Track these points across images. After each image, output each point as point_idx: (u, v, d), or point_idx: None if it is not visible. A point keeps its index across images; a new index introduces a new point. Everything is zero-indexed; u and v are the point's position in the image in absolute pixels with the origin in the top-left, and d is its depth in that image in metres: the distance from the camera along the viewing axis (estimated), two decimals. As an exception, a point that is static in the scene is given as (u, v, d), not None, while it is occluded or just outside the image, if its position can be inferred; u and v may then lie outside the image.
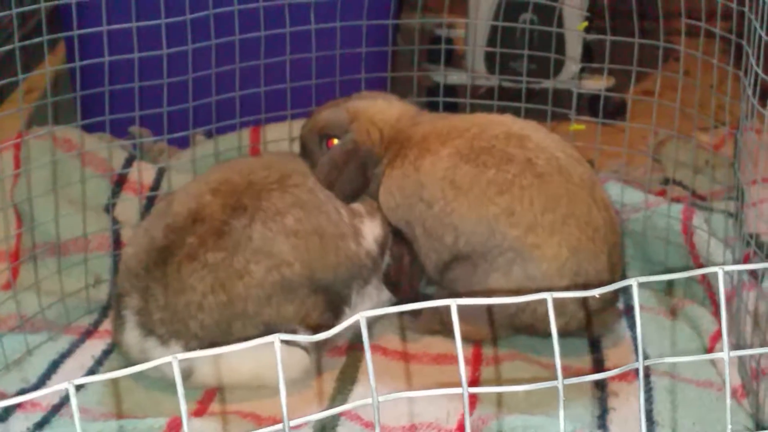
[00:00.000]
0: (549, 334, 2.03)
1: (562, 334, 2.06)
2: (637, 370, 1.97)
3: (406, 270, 2.16)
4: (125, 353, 2.00)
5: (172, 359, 0.87)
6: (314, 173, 2.12)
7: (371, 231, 2.11)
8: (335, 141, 2.16)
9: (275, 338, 0.89)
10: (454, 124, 2.16)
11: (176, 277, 1.93)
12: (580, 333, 2.08)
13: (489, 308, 2.05)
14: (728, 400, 0.92)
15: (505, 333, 2.09)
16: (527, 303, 1.98)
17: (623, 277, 2.19)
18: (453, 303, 0.89)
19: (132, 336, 1.96)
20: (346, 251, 2.04)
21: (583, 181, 2.06)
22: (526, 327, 2.05)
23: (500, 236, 2.00)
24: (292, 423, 0.88)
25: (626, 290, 2.31)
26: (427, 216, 2.07)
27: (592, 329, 2.08)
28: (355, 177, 2.12)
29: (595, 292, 0.93)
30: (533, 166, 2.03)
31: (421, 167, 2.09)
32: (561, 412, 0.92)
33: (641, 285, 2.32)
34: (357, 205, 2.12)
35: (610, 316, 2.10)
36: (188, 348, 1.93)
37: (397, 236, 2.16)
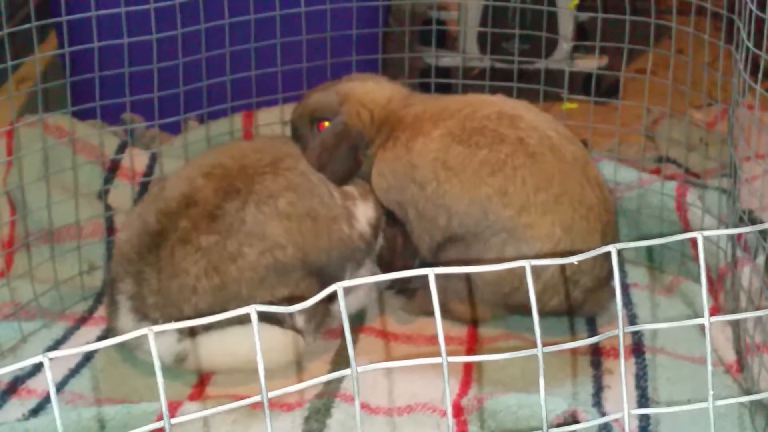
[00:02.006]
0: (544, 314, 2.04)
1: (558, 312, 2.06)
2: (631, 347, 1.98)
3: (400, 252, 2.16)
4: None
5: (147, 331, 0.87)
6: (305, 156, 2.11)
7: (364, 213, 2.10)
8: (326, 124, 2.15)
9: (252, 309, 0.89)
10: (446, 104, 2.15)
11: (169, 261, 1.93)
12: (575, 312, 2.08)
13: (483, 289, 2.05)
14: (709, 366, 0.92)
15: (500, 313, 2.09)
16: (521, 282, 1.98)
17: (619, 255, 2.18)
18: (431, 272, 0.89)
19: (126, 321, 1.96)
20: (339, 234, 2.04)
21: (576, 159, 2.05)
22: (520, 306, 2.05)
23: (493, 216, 2.00)
24: (271, 394, 0.87)
25: (621, 268, 2.30)
26: (419, 198, 2.07)
27: (586, 308, 2.08)
28: (346, 159, 2.11)
29: (574, 259, 0.92)
30: (525, 146, 2.02)
31: (413, 149, 2.09)
32: (541, 380, 0.92)
33: (634, 262, 2.32)
34: (350, 188, 2.12)
35: (604, 294, 2.10)
36: (182, 332, 1.93)
37: (390, 218, 2.15)
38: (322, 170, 2.08)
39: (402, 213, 2.12)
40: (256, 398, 0.89)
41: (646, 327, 0.93)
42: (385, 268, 2.16)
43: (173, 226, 1.95)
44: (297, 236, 1.98)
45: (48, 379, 0.84)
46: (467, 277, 2.03)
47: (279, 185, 2.01)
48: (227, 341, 1.91)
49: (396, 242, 2.16)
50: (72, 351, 0.88)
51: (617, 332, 0.91)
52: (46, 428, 1.73)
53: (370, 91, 2.17)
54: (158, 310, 1.93)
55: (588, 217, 2.02)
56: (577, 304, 2.05)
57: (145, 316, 1.94)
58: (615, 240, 2.12)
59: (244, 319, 1.94)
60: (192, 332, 1.93)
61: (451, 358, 0.91)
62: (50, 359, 0.84)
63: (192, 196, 1.98)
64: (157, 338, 1.93)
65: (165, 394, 1.85)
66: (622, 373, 0.95)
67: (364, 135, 2.14)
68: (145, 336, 1.92)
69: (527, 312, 2.07)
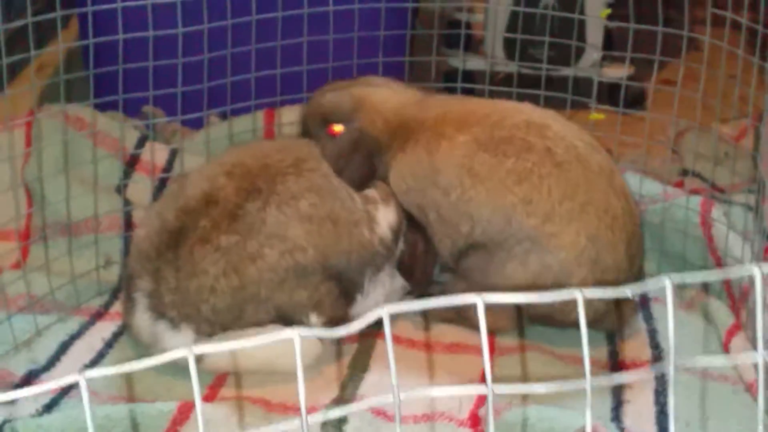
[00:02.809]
0: (566, 325, 2.01)
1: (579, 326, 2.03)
2: (650, 361, 1.95)
3: (421, 257, 2.13)
4: (135, 336, 1.98)
5: (187, 352, 0.84)
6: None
7: (385, 217, 2.08)
8: (337, 127, 2.12)
9: (294, 333, 0.86)
10: (472, 109, 2.12)
11: (188, 260, 1.90)
12: (597, 325, 2.05)
13: None
14: (761, 403, 0.89)
15: (521, 323, 2.06)
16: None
17: (640, 269, 2.17)
18: (479, 300, 0.86)
19: (143, 319, 1.94)
20: (359, 238, 2.02)
21: (602, 169, 2.03)
22: (543, 317, 2.03)
23: (517, 225, 1.97)
24: (310, 419, 0.85)
25: (642, 281, 2.27)
26: (442, 202, 2.04)
27: (609, 322, 2.05)
28: (363, 166, 2.09)
29: (628, 292, 0.89)
30: (552, 156, 2.00)
31: (436, 152, 2.06)
32: (588, 413, 0.89)
33: (655, 276, 2.29)
34: (371, 191, 2.09)
35: (627, 309, 2.07)
36: (199, 332, 1.91)
37: (412, 222, 2.13)
38: (339, 177, 2.06)
39: (422, 216, 2.09)
40: (296, 423, 0.86)
41: (698, 365, 0.90)
42: (405, 273, 2.13)
43: (193, 225, 1.93)
44: (317, 239, 1.96)
45: (84, 400, 0.81)
46: (489, 285, 2.00)
47: (301, 186, 1.99)
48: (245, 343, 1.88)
49: (417, 247, 2.14)
50: (111, 370, 0.85)
51: (667, 368, 0.87)
52: (60, 425, 1.71)
53: (385, 98, 2.14)
54: (175, 309, 1.91)
55: (613, 226, 1.99)
56: (599, 315, 2.02)
57: (161, 315, 1.92)
58: (640, 252, 2.09)
59: (262, 321, 1.93)
60: (209, 333, 1.91)
61: (499, 388, 0.87)
62: (87, 379, 0.81)
63: (213, 195, 1.96)
64: (174, 338, 1.93)
65: (179, 394, 1.84)
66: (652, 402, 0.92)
67: (380, 142, 2.11)
68: (162, 334, 1.92)
69: (549, 322, 2.04)
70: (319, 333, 0.92)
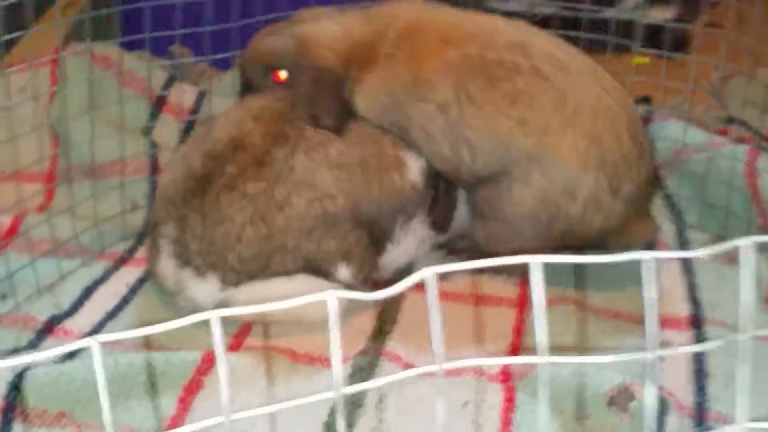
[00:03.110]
0: (588, 238, 1.93)
1: (600, 238, 1.95)
2: (689, 318, 1.89)
3: (441, 200, 2.07)
4: (160, 283, 1.94)
5: (211, 315, 0.79)
6: None
7: (416, 162, 2.01)
8: (282, 73, 2.00)
9: (331, 295, 0.81)
10: (455, 23, 2.01)
11: (215, 207, 1.86)
12: (613, 238, 1.97)
13: (523, 227, 1.94)
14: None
15: (547, 250, 1.98)
16: (558, 208, 1.89)
17: (651, 155, 2.08)
18: (537, 260, 0.79)
19: (167, 266, 1.90)
20: (390, 185, 1.95)
21: (584, 70, 1.94)
22: (565, 235, 1.95)
23: (516, 150, 1.90)
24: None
25: (683, 233, 2.20)
26: (434, 118, 1.95)
27: (633, 229, 1.97)
28: (334, 101, 1.97)
29: (704, 253, 0.82)
30: (539, 73, 1.91)
31: (423, 68, 1.95)
32: (653, 389, 0.83)
33: (696, 227, 2.21)
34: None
35: (644, 227, 1.99)
36: (225, 281, 1.86)
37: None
38: (316, 123, 1.94)
39: (402, 134, 2.01)
40: (330, 395, 0.80)
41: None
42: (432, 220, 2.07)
43: (219, 171, 1.88)
44: (347, 186, 1.90)
45: (96, 365, 0.77)
46: (501, 218, 1.94)
47: (329, 133, 1.93)
48: (271, 292, 1.84)
49: (438, 189, 2.06)
50: (126, 334, 0.80)
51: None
52: (82, 372, 1.68)
53: (327, 28, 2.01)
54: (201, 257, 1.86)
55: (612, 120, 1.90)
56: (621, 219, 1.94)
57: (187, 262, 1.87)
58: (646, 138, 1.99)
59: (290, 271, 1.88)
60: (236, 282, 1.86)
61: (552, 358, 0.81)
62: (99, 342, 0.76)
63: (240, 140, 1.91)
64: (199, 286, 1.89)
65: (203, 344, 1.81)
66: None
67: (338, 75, 1.99)
68: (187, 282, 1.88)
69: (572, 239, 1.96)
70: (355, 295, 0.86)
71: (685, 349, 0.87)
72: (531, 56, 1.94)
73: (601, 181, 1.89)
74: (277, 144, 1.90)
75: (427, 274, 0.83)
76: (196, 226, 1.86)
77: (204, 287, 1.87)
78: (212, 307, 1.88)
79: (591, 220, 1.91)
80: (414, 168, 2.00)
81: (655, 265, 0.80)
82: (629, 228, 1.97)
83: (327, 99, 1.96)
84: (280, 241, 1.85)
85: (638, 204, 1.97)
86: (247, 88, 2.05)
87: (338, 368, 0.82)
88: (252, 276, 1.86)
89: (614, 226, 1.93)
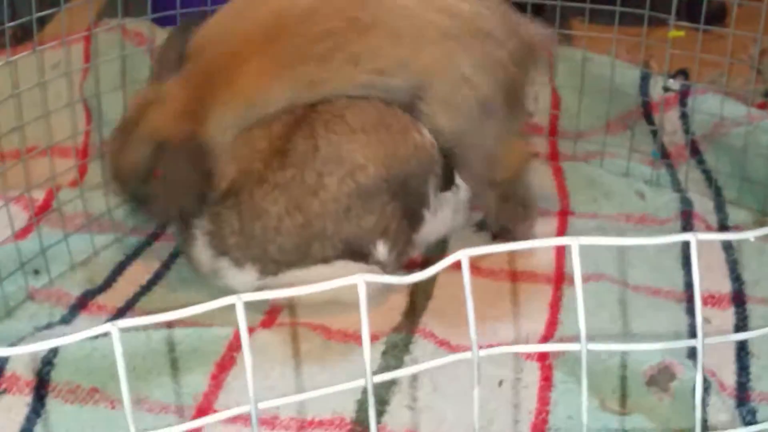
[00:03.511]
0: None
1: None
2: (731, 295, 1.86)
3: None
4: (195, 266, 1.92)
5: (236, 299, 0.78)
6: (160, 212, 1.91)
7: (423, 128, 1.95)
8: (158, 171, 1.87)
9: (360, 279, 0.79)
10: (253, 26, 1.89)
11: (249, 203, 1.83)
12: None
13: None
14: None
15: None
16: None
17: (719, 195, 2.04)
18: (574, 242, 0.77)
19: (204, 254, 1.88)
20: (413, 142, 1.90)
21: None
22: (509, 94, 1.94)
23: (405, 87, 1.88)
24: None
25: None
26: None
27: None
28: (190, 172, 1.85)
29: (750, 235, 0.80)
30: (359, 23, 1.87)
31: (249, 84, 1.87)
32: (699, 376, 0.81)
33: (735, 203, 2.18)
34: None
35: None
36: (265, 271, 1.85)
37: None
38: (183, 205, 1.85)
39: None
40: (360, 383, 0.78)
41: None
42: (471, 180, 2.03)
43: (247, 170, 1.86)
44: (374, 149, 1.85)
45: (116, 352, 0.75)
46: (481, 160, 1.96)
47: (340, 104, 1.88)
48: (310, 279, 1.82)
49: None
50: (144, 320, 0.79)
51: None
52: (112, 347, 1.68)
53: (170, 111, 1.85)
54: (240, 250, 1.85)
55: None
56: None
57: (224, 253, 1.86)
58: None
59: (328, 258, 1.86)
60: (275, 272, 1.85)
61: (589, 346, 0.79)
62: (120, 328, 0.75)
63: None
64: (238, 276, 1.87)
65: (236, 320, 1.80)
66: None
67: (198, 142, 1.86)
68: (225, 271, 1.86)
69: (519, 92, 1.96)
70: (385, 279, 0.85)
71: (734, 336, 0.84)
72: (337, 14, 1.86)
73: (506, 47, 1.89)
74: (294, 130, 1.86)
75: (462, 255, 0.81)
76: (233, 221, 1.85)
77: (242, 276, 1.86)
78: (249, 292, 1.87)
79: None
80: (425, 131, 1.95)
81: (680, 257, 0.78)
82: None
83: (182, 174, 1.84)
84: (318, 227, 1.83)
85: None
86: (137, 203, 1.92)
87: (368, 356, 0.80)
88: (291, 265, 1.84)
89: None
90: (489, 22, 1.90)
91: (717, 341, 0.79)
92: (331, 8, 1.86)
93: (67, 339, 0.77)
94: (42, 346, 0.77)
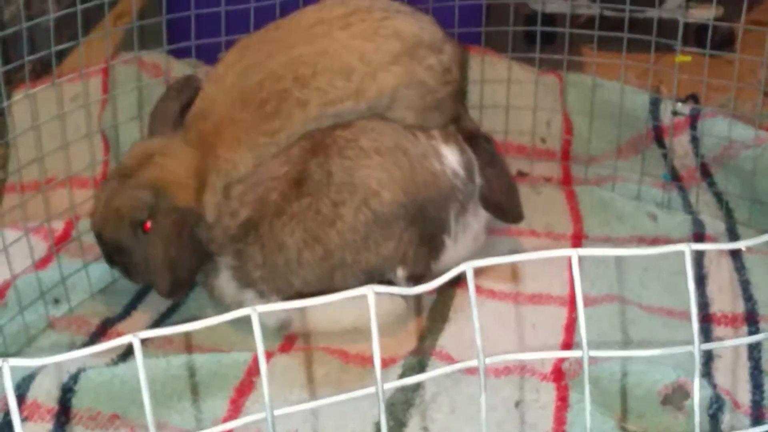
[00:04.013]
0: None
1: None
2: (744, 315, 1.87)
3: (511, 187, 2.06)
4: (217, 297, 1.94)
5: (251, 311, 0.80)
6: (138, 267, 1.91)
7: (450, 153, 1.96)
8: (150, 223, 1.87)
9: (368, 290, 0.81)
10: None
11: (271, 236, 1.86)
12: None
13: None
14: None
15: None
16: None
17: (730, 216, 2.05)
18: (574, 253, 0.80)
19: (228, 286, 1.91)
20: (432, 169, 1.92)
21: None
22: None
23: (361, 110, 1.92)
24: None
25: (733, 231, 2.18)
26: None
27: None
28: (192, 246, 1.87)
29: (744, 245, 0.82)
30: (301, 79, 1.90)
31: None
32: (696, 380, 0.83)
33: (745, 224, 2.19)
34: (431, 129, 1.98)
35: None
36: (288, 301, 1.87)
37: (491, 158, 2.04)
38: (172, 269, 1.84)
39: None
40: (371, 389, 0.81)
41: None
42: (496, 210, 2.05)
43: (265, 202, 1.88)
44: (390, 171, 1.86)
45: (138, 362, 0.78)
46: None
47: (356, 129, 1.90)
48: (332, 309, 1.84)
49: (503, 181, 2.04)
50: (166, 331, 0.81)
51: None
52: (134, 374, 1.70)
53: (176, 170, 1.89)
54: (265, 283, 1.87)
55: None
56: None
57: (249, 285, 1.89)
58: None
59: (351, 287, 1.87)
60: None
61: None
62: (141, 339, 0.77)
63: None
64: (262, 305, 1.89)
65: (255, 346, 1.82)
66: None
67: (197, 213, 1.89)
68: (249, 303, 1.88)
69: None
70: (393, 290, 0.87)
71: (730, 342, 0.86)
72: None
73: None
74: (309, 157, 1.88)
75: (466, 267, 0.83)
76: (256, 256, 1.87)
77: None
78: (276, 326, 1.89)
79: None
80: (451, 158, 1.96)
81: (692, 256, 0.80)
82: None
83: (185, 246, 1.86)
84: (338, 258, 1.85)
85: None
86: (117, 251, 1.92)
87: (378, 363, 0.82)
88: (315, 296, 1.85)
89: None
90: (428, 35, 1.96)
91: (712, 347, 0.81)
92: (277, 75, 1.90)
93: (88, 350, 0.79)
94: (66, 356, 0.79)
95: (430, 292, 2.00)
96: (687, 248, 0.79)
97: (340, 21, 1.93)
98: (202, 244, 1.88)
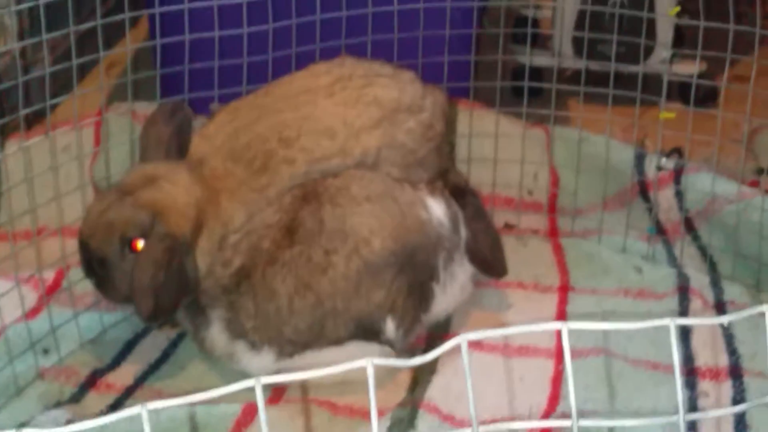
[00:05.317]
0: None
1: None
2: (728, 368, 1.90)
3: (495, 242, 2.08)
4: (208, 350, 1.95)
5: (255, 381, 0.82)
6: (117, 283, 1.87)
7: (436, 204, 1.98)
8: (140, 242, 1.84)
9: (368, 362, 0.83)
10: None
11: (263, 285, 1.88)
12: None
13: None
14: None
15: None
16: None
17: (714, 270, 2.07)
18: (564, 326, 0.82)
19: (219, 338, 1.92)
20: (419, 217, 1.94)
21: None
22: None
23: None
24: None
25: (717, 284, 2.21)
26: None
27: None
28: (179, 276, 1.84)
29: (724, 321, 0.84)
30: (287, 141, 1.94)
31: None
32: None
33: (730, 278, 2.22)
34: (418, 184, 2.00)
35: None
36: (282, 353, 1.89)
37: (476, 212, 2.07)
38: (157, 293, 1.80)
39: None
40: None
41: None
42: (480, 263, 2.07)
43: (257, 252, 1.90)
44: (381, 218, 1.89)
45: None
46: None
47: (346, 178, 1.92)
48: (324, 361, 1.85)
49: (488, 236, 2.07)
50: (175, 402, 0.83)
51: None
52: (124, 426, 1.70)
53: (178, 196, 1.88)
54: (257, 333, 1.89)
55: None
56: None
57: (240, 336, 1.90)
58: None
59: (341, 338, 1.90)
60: (291, 353, 1.89)
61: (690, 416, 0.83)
62: (148, 410, 0.79)
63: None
64: (254, 359, 1.91)
65: (243, 397, 1.84)
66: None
67: (188, 242, 1.87)
68: (240, 354, 1.89)
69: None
70: (392, 362, 0.89)
71: (715, 413, 0.89)
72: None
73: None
74: (302, 204, 1.90)
75: (461, 340, 0.86)
76: (249, 306, 1.89)
77: (258, 359, 1.89)
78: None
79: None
80: (437, 209, 1.98)
81: (676, 331, 0.82)
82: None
83: (173, 275, 1.83)
84: (330, 305, 1.87)
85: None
86: (99, 264, 1.88)
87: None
88: (307, 346, 1.88)
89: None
90: (408, 96, 2.01)
91: (697, 417, 0.84)
92: (264, 137, 1.93)
93: (100, 421, 0.81)
94: (74, 428, 0.80)
95: (419, 343, 2.02)
96: (672, 323, 0.82)
97: (325, 90, 1.98)
98: (189, 275, 1.87)
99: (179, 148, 1.99)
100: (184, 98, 2.22)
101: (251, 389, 1.81)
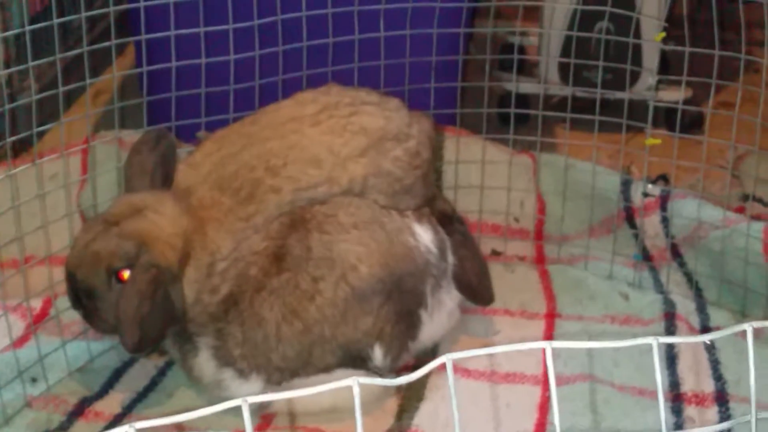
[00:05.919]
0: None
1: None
2: (713, 394, 1.90)
3: (482, 270, 2.09)
4: (195, 378, 1.96)
5: (242, 402, 0.82)
6: (104, 314, 1.88)
7: (423, 232, 1.99)
8: (126, 272, 1.85)
9: (354, 381, 0.84)
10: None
11: (251, 312, 1.88)
12: None
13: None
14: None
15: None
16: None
17: (701, 297, 2.08)
18: (548, 345, 0.83)
19: (207, 366, 1.92)
20: (406, 244, 1.95)
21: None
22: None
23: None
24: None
25: (703, 310, 2.22)
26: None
27: None
28: (165, 306, 1.85)
29: (706, 338, 0.85)
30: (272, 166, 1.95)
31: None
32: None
33: (716, 304, 2.24)
34: (406, 211, 2.02)
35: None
36: (270, 381, 1.89)
37: (461, 239, 2.08)
38: (141, 324, 1.79)
39: None
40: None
41: None
42: (467, 290, 2.08)
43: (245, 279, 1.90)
44: (368, 245, 1.90)
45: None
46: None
47: (333, 205, 1.93)
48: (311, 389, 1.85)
49: (475, 263, 2.08)
50: (163, 420, 0.83)
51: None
52: (113, 454, 1.70)
53: (164, 227, 1.89)
54: (245, 361, 1.89)
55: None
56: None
57: (228, 364, 1.90)
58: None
59: (329, 366, 1.90)
60: (279, 381, 1.89)
61: None
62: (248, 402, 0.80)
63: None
64: (242, 387, 1.91)
65: (232, 424, 1.83)
66: None
67: (174, 274, 1.88)
68: (228, 382, 1.89)
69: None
70: (378, 381, 0.89)
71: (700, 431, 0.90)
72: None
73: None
74: (290, 231, 1.91)
75: (446, 359, 0.86)
76: (236, 333, 1.89)
77: (246, 387, 1.89)
78: (255, 406, 1.89)
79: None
80: (424, 236, 1.99)
81: (658, 350, 0.83)
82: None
83: (158, 305, 1.83)
84: (317, 333, 1.87)
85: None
86: (86, 295, 1.88)
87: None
88: (295, 373, 1.88)
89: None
90: (394, 125, 2.02)
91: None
92: (250, 165, 1.94)
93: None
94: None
95: (406, 370, 2.02)
96: (654, 341, 0.83)
97: (311, 118, 1.99)
98: (175, 305, 1.87)
99: (164, 176, 1.99)
100: (169, 126, 2.23)
101: (239, 415, 1.81)
